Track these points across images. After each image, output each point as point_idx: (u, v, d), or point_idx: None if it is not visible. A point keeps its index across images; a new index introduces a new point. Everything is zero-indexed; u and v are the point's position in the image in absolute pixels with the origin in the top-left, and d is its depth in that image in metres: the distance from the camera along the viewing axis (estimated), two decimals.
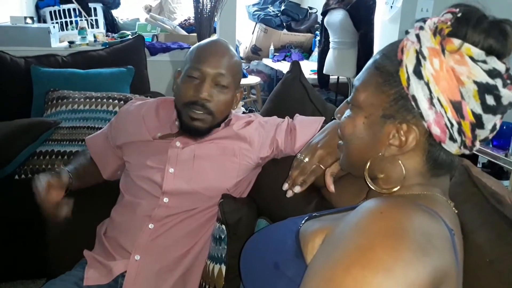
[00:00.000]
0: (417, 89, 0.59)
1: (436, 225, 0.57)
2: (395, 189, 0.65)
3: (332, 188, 0.88)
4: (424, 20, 0.62)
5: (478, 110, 0.58)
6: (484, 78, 0.57)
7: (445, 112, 0.58)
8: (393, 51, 0.64)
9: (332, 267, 0.53)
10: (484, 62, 0.57)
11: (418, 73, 0.59)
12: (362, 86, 0.67)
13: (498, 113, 0.59)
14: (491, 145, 2.01)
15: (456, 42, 0.57)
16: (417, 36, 0.60)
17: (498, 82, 0.57)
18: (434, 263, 0.52)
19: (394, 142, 0.63)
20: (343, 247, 0.54)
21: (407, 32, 0.63)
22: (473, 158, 2.15)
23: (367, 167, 0.67)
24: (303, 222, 0.72)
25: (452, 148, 0.62)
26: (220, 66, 1.08)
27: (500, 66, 0.57)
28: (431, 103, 0.59)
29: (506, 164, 1.87)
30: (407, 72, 0.60)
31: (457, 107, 0.58)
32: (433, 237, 0.54)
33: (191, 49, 1.15)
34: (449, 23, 0.58)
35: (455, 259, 0.58)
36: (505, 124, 2.00)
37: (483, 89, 0.57)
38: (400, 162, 0.64)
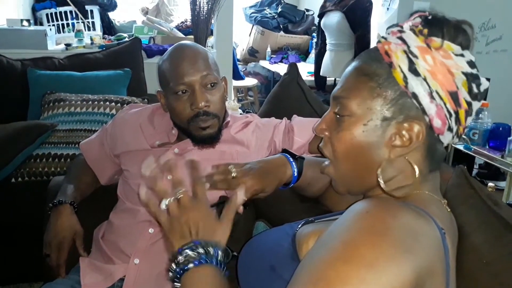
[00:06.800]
0: (416, 86, 0.60)
1: (423, 224, 0.57)
2: (416, 191, 0.64)
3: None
4: (396, 25, 0.65)
5: (468, 98, 0.62)
6: (468, 69, 0.61)
7: (445, 104, 0.61)
8: (375, 56, 0.64)
9: (318, 263, 0.54)
10: (462, 55, 0.61)
11: (414, 71, 0.61)
12: (351, 94, 0.65)
13: (479, 100, 0.63)
14: (487, 147, 2.01)
15: (438, 40, 0.61)
16: (400, 38, 0.63)
17: (476, 71, 0.62)
18: (419, 260, 0.53)
19: (397, 142, 0.63)
20: (329, 244, 0.56)
21: (379, 40, 0.66)
22: (470, 160, 2.16)
23: (380, 174, 0.63)
24: (299, 226, 0.73)
25: (448, 138, 0.64)
26: (200, 69, 1.06)
27: (473, 58, 0.62)
28: (432, 97, 0.61)
29: (502, 165, 1.87)
30: (402, 71, 0.61)
31: (455, 97, 0.61)
32: (419, 235, 0.55)
33: (160, 68, 1.10)
34: (420, 26, 0.62)
35: (445, 258, 0.58)
36: (501, 125, 2.01)
37: (470, 79, 0.61)
38: (408, 160, 0.63)
